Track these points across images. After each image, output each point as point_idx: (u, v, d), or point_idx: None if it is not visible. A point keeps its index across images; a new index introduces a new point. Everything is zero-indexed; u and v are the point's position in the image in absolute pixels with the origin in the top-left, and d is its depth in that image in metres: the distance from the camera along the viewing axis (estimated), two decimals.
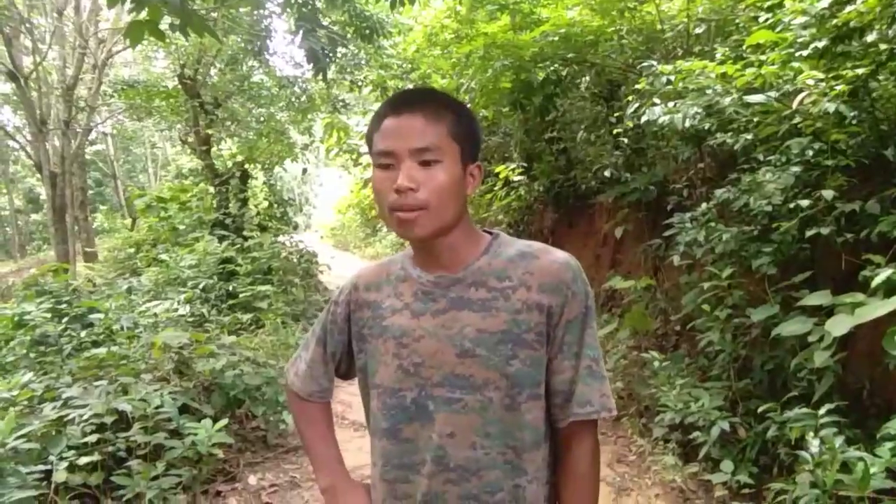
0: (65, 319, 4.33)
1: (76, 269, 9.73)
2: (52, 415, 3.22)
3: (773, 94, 3.36)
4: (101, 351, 3.77)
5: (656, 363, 4.18)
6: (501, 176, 8.42)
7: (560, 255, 1.22)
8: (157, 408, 3.22)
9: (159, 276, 7.21)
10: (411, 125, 1.13)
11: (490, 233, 1.28)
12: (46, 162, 9.20)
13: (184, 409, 3.62)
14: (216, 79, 10.03)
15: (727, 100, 3.32)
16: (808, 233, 3.14)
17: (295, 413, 1.45)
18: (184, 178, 15.67)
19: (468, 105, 1.52)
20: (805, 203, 3.12)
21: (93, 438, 3.14)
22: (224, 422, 3.38)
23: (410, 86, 9.92)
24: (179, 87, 9.03)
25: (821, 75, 2.90)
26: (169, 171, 24.34)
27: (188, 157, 14.34)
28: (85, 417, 3.17)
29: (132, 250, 9.97)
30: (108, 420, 3.15)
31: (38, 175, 10.94)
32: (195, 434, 3.20)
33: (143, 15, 3.16)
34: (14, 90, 9.38)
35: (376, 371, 1.26)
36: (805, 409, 2.93)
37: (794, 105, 2.92)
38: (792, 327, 3.15)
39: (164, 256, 7.64)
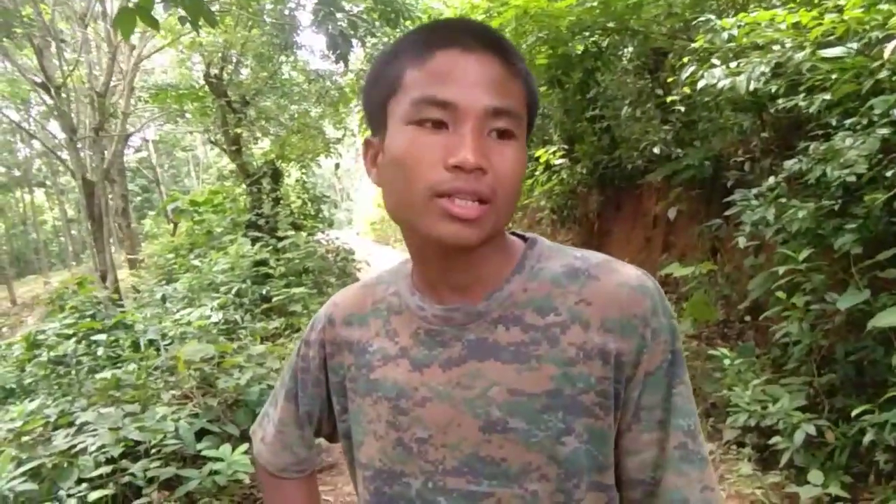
0: (72, 339, 4.10)
1: (116, 277, 9.68)
2: (63, 444, 2.97)
3: (853, 45, 2.88)
4: (118, 371, 3.52)
5: (727, 361, 3.71)
6: (542, 160, 8.02)
7: (631, 273, 0.81)
8: (172, 433, 2.95)
9: (193, 282, 7.03)
10: (490, 70, 0.73)
11: (521, 237, 0.88)
12: (79, 170, 9.13)
13: (207, 430, 3.35)
14: (246, 77, 9.86)
15: (800, 55, 2.85)
16: None
17: (266, 494, 1.06)
18: (224, 179, 15.70)
19: None
20: None
21: (106, 469, 2.88)
22: (246, 446, 3.09)
23: None
24: (206, 87, 8.86)
25: None
26: (211, 173, 24.56)
27: (227, 159, 14.35)
28: (97, 446, 2.92)
29: (171, 255, 9.88)
30: (121, 449, 2.89)
31: None
32: (214, 462, 2.92)
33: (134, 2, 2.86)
34: (53, 100, 9.34)
35: (362, 443, 0.88)
36: None
37: (887, 54, 2.44)
38: (890, 318, 2.68)
39: (196, 262, 7.47)
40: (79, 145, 9.63)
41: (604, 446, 0.79)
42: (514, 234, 0.88)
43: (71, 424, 3.25)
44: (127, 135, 13.46)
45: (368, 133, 0.86)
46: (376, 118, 0.79)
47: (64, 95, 9.55)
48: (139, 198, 28.35)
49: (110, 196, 12.92)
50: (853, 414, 2.99)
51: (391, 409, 0.83)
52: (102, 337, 4.20)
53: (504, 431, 0.77)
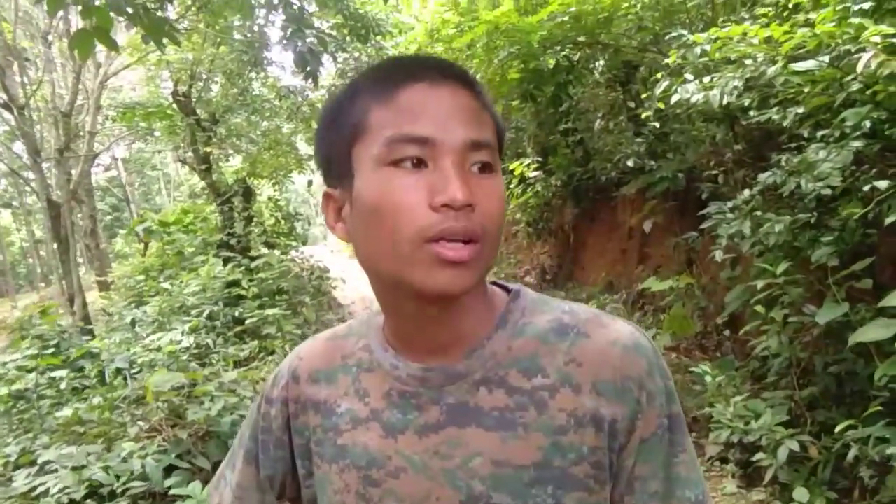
0: (34, 373, 3.92)
1: (84, 300, 9.44)
2: (24, 486, 2.83)
3: (824, 59, 2.87)
4: (83, 406, 3.38)
5: (708, 378, 3.67)
6: (516, 173, 8.00)
7: (623, 329, 0.73)
8: (139, 474, 2.82)
9: (164, 305, 6.85)
10: (461, 102, 0.68)
11: (504, 287, 0.80)
12: (44, 192, 8.91)
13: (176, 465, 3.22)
14: (216, 94, 9.72)
15: (772, 69, 2.84)
16: (888, 219, 2.63)
17: None
18: (196, 196, 15.48)
19: None
20: (883, 185, 2.62)
21: None
22: None
23: None
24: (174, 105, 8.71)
25: (890, 30, 2.40)
26: (182, 191, 24.24)
27: (198, 176, 14.16)
28: (59, 488, 2.78)
29: (141, 277, 9.66)
30: (85, 491, 2.75)
31: None
32: (183, 500, 2.79)
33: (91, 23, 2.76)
34: (15, 119, 9.11)
35: None
36: None
37: (860, 68, 2.43)
38: (872, 333, 2.67)
39: (165, 285, 7.29)
40: (44, 166, 9.41)
41: None
42: (494, 283, 0.80)
43: (33, 463, 3.10)
44: (94, 154, 13.21)
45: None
46: (339, 166, 0.71)
47: (27, 115, 9.34)
48: (109, 216, 27.83)
49: (79, 216, 12.64)
50: (837, 430, 2.96)
51: (361, 479, 0.75)
52: (64, 373, 4.03)
53: None
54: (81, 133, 10.94)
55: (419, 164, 0.66)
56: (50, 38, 10.20)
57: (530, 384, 0.71)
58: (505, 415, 0.70)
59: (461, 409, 0.72)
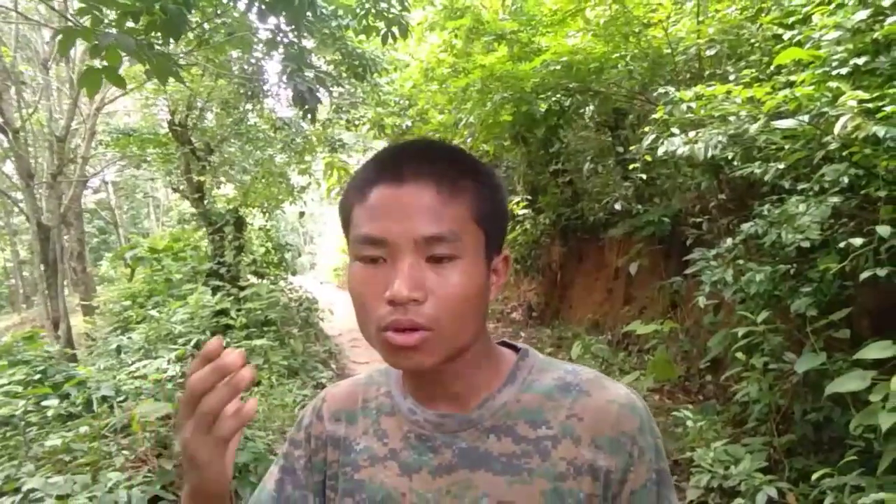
0: (22, 401, 3.92)
1: (73, 324, 9.38)
2: None
3: (804, 117, 3.01)
4: (70, 435, 3.38)
5: (689, 422, 3.74)
6: None
7: (621, 391, 0.83)
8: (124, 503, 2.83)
9: (150, 333, 6.84)
10: (418, 201, 0.75)
11: (514, 347, 0.90)
12: (35, 215, 8.92)
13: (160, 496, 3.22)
14: (211, 124, 9.81)
15: (754, 126, 2.97)
16: (863, 275, 2.74)
17: None
18: (185, 223, 15.45)
19: (476, 152, 0.94)
20: (858, 242, 2.73)
21: None
22: None
23: (408, 123, 9.65)
24: (170, 133, 8.79)
25: (865, 95, 2.54)
26: (171, 216, 24.17)
27: (189, 203, 14.16)
28: None
29: (127, 303, 9.62)
30: None
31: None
32: None
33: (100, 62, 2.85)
34: (9, 142, 9.14)
35: None
36: (880, 496, 2.49)
37: (837, 130, 2.56)
38: (847, 384, 2.75)
39: (153, 313, 7.27)
40: (37, 190, 9.43)
41: None
42: (504, 343, 0.89)
43: (17, 491, 3.09)
44: (86, 179, 13.23)
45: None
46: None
47: (22, 139, 9.38)
48: (96, 239, 27.59)
49: (66, 239, 12.61)
50: (813, 477, 3.02)
51: None
52: (54, 402, 4.02)
53: None
54: (75, 157, 10.98)
55: (377, 260, 0.75)
56: (49, 64, 10.29)
57: (535, 434, 0.80)
58: (512, 460, 0.79)
59: (472, 454, 0.80)
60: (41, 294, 10.53)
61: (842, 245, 2.80)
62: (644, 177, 5.23)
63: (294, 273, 10.88)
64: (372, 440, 0.86)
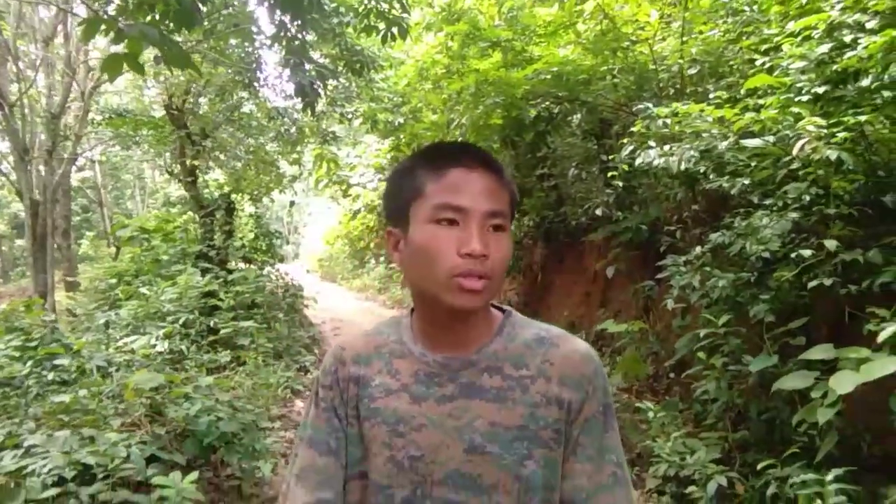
0: (29, 362, 4.10)
1: (55, 300, 9.48)
2: (11, 465, 3.01)
3: (770, 138, 3.28)
4: (66, 398, 3.56)
5: (651, 414, 4.00)
6: None
7: (581, 344, 1.11)
8: (124, 459, 3.03)
9: (139, 310, 6.99)
10: (487, 183, 1.02)
11: (500, 308, 1.16)
12: (28, 190, 9.01)
13: (155, 457, 3.42)
14: (205, 109, 9.93)
15: (723, 144, 3.24)
16: (811, 284, 3.01)
17: None
18: (171, 206, 15.48)
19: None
20: (807, 253, 3.01)
21: (53, 492, 2.93)
22: (195, 475, 3.17)
23: (401, 120, 9.86)
24: (167, 117, 8.92)
25: (822, 121, 2.81)
26: (157, 198, 24.11)
27: (176, 186, 14.19)
28: (46, 469, 2.97)
29: (113, 281, 9.73)
30: (71, 473, 2.94)
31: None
32: (163, 488, 3.00)
33: (122, 48, 3.04)
34: (3, 116, 9.19)
35: (358, 461, 1.10)
36: (811, 475, 2.77)
37: (795, 152, 2.83)
38: (793, 382, 3.02)
39: (144, 290, 7.43)
40: (29, 165, 9.51)
41: (554, 471, 1.04)
42: (492, 306, 1.15)
43: (17, 447, 3.27)
44: (75, 156, 13.28)
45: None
46: (399, 215, 1.07)
47: (19, 113, 9.46)
48: (78, 217, 27.40)
49: (54, 216, 12.66)
50: (759, 468, 3.30)
51: (389, 432, 1.07)
52: (65, 361, 4.21)
53: (482, 454, 1.03)
54: (68, 134, 11.04)
55: (453, 223, 1.00)
56: (52, 42, 10.36)
57: (518, 374, 1.07)
58: (500, 392, 1.06)
59: (470, 387, 1.07)
60: (30, 267, 10.61)
61: (793, 256, 3.07)
62: (623, 185, 5.49)
63: (281, 260, 11.06)
64: (386, 377, 1.10)
